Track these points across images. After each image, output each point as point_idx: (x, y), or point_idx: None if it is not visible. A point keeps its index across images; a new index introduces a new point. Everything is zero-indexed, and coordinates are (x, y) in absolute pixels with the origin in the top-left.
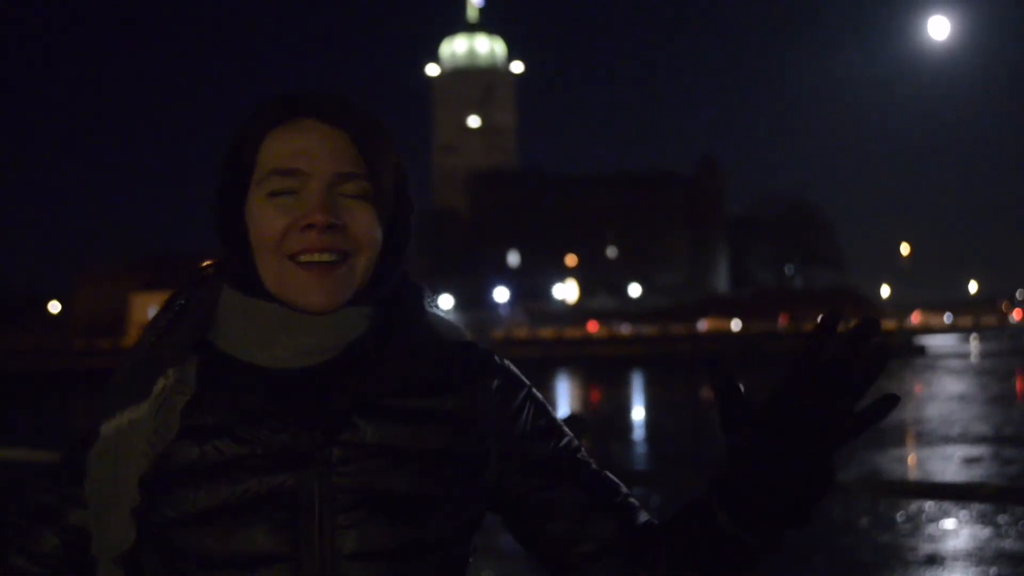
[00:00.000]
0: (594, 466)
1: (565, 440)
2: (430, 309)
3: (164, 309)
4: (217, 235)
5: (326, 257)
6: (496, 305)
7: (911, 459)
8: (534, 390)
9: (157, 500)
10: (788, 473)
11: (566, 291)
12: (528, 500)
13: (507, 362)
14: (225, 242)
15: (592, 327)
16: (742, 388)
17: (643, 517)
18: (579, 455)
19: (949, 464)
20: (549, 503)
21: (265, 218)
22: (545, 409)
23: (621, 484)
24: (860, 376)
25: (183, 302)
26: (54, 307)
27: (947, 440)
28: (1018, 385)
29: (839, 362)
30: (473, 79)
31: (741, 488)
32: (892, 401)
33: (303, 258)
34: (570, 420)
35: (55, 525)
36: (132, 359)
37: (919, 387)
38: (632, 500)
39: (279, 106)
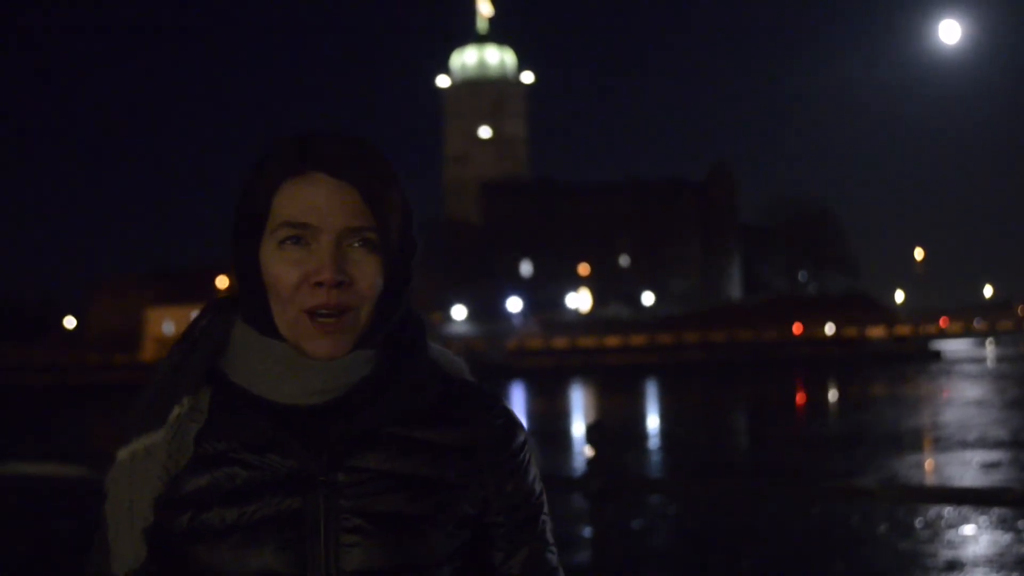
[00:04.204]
0: (552, 554)
1: (544, 505)
2: (432, 344)
3: (182, 339)
4: (234, 274)
5: (334, 312)
6: (509, 315)
7: (929, 464)
8: (531, 439)
9: (171, 521)
10: None
11: (579, 300)
12: (491, 535)
13: (511, 408)
14: (241, 280)
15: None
16: None
17: None
18: (548, 528)
19: (967, 469)
20: (505, 550)
21: (278, 269)
22: (534, 461)
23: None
24: None
25: (199, 333)
26: (69, 322)
27: (965, 445)
28: None
29: None
30: (484, 90)
31: None
32: None
33: (316, 315)
34: (594, 428)
35: None
36: (150, 388)
37: (945, 392)
38: None
39: (291, 158)
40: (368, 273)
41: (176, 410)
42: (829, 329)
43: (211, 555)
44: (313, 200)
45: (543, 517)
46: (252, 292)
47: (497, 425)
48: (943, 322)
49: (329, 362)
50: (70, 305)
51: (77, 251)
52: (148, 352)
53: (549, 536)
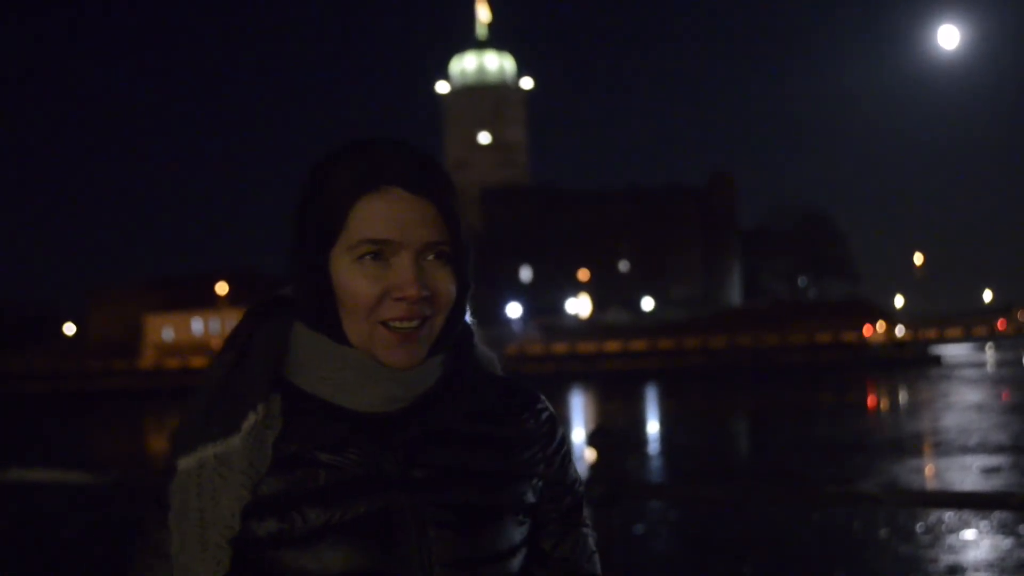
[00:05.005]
0: (593, 538)
1: (582, 487)
2: (477, 344)
3: (229, 345)
4: (301, 284)
5: (414, 324)
6: (509, 320)
7: (929, 469)
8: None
9: (255, 528)
10: None
11: (579, 306)
12: (542, 522)
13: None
14: (310, 291)
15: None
16: None
17: None
18: (588, 513)
19: (968, 474)
20: (555, 536)
21: (357, 284)
22: (572, 457)
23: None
24: None
25: (248, 340)
26: (69, 329)
27: (965, 450)
28: None
29: None
30: (483, 96)
31: None
32: None
33: (393, 325)
34: (598, 433)
35: (167, 560)
36: (204, 395)
37: (1006, 394)
38: None
39: (366, 173)
40: (445, 284)
41: (252, 417)
42: (844, 335)
43: (301, 559)
44: (393, 216)
45: (584, 508)
46: (322, 302)
47: (544, 418)
48: (1001, 324)
49: (405, 371)
50: (70, 312)
51: (77, 258)
52: (148, 359)
53: (589, 521)
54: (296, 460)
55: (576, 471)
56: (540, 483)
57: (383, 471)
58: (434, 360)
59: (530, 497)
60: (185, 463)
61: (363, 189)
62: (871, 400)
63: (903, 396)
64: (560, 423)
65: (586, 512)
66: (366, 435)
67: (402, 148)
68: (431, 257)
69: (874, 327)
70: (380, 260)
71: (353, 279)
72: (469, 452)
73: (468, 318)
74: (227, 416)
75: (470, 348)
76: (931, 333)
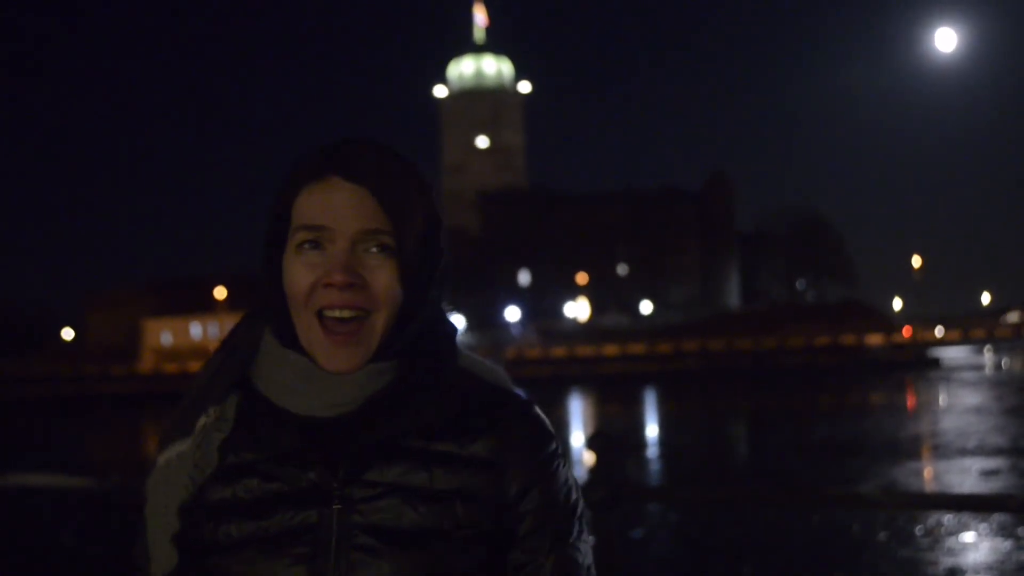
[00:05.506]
0: (578, 563)
1: (579, 510)
2: (465, 352)
3: (219, 349)
4: (263, 285)
5: (346, 313)
6: (507, 324)
7: (928, 471)
8: (560, 449)
9: (193, 530)
10: None
11: (577, 309)
12: (515, 545)
13: (543, 415)
14: (266, 290)
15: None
16: None
17: None
18: (578, 534)
19: (967, 476)
20: (531, 560)
21: (294, 273)
22: (565, 469)
23: None
24: None
25: (236, 341)
26: (67, 334)
27: (964, 452)
28: None
29: None
30: (481, 100)
31: None
32: None
33: (326, 313)
34: (597, 437)
35: None
36: (187, 396)
37: None
38: None
39: (311, 164)
40: (382, 278)
41: (202, 420)
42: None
43: (227, 567)
44: (329, 203)
45: (574, 525)
46: (275, 302)
47: (524, 434)
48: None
49: (345, 376)
50: (68, 316)
51: (75, 262)
52: (146, 363)
53: (579, 544)
54: (241, 469)
55: (565, 491)
56: (506, 506)
57: (321, 486)
58: (379, 366)
59: (486, 522)
60: (161, 459)
61: (306, 179)
62: (870, 402)
63: (902, 398)
64: (551, 440)
65: (578, 533)
66: (313, 446)
67: (353, 140)
68: (373, 248)
69: (909, 329)
70: (318, 249)
71: (292, 269)
72: (420, 470)
73: (460, 326)
74: (191, 417)
75: (439, 356)
76: (930, 335)
